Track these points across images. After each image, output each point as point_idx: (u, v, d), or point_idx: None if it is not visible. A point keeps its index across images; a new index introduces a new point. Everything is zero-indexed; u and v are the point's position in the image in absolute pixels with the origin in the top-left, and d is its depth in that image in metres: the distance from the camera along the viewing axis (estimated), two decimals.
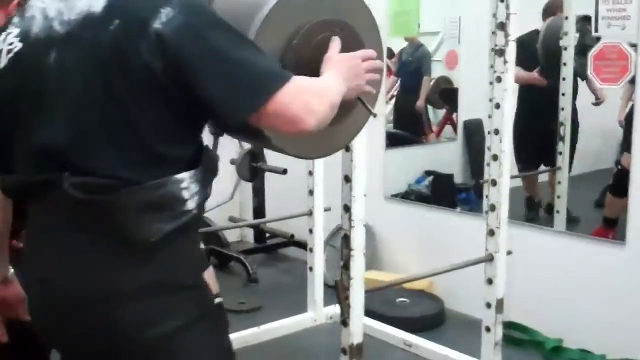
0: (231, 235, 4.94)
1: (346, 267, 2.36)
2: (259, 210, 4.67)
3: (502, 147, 2.70)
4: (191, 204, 1.38)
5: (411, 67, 5.01)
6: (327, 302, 3.67)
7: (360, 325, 2.39)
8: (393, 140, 4.89)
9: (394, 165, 4.57)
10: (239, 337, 3.35)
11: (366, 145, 2.28)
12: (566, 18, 3.98)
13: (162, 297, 1.39)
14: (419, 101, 5.02)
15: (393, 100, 5.16)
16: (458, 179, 4.79)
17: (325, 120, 1.43)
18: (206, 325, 1.44)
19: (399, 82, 5.16)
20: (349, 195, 2.31)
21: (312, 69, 1.58)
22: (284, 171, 4.17)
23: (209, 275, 2.25)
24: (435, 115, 5.48)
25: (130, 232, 1.34)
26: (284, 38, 1.61)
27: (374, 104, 1.83)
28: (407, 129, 5.16)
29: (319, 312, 3.62)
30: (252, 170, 4.42)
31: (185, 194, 1.36)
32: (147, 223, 1.35)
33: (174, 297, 1.40)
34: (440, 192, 4.69)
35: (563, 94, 4.06)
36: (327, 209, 3.57)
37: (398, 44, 4.98)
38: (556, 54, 4.01)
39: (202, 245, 1.55)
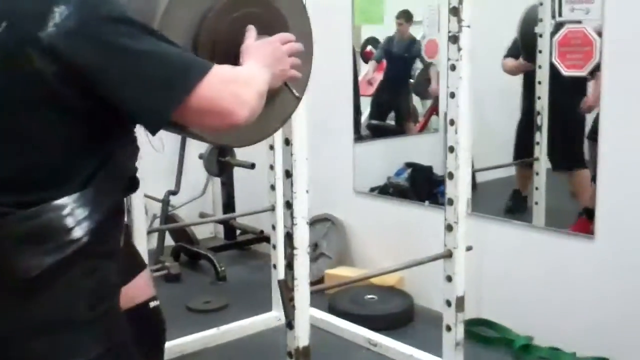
0: (203, 232, 4.83)
1: (290, 266, 2.24)
2: (228, 205, 4.56)
3: (457, 138, 2.59)
4: (78, 232, 1.23)
5: (401, 57, 4.85)
6: None
7: (306, 327, 2.28)
8: (375, 132, 4.78)
9: (373, 157, 4.46)
10: (198, 339, 3.26)
11: (307, 138, 2.16)
12: (540, 4, 3.85)
13: (56, 336, 1.25)
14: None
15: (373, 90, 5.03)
16: (439, 171, 4.67)
17: (257, 110, 1.32)
18: None
19: (383, 70, 5.00)
20: (289, 191, 2.19)
21: (230, 51, 1.49)
22: (252, 165, 4.07)
23: (143, 279, 2.15)
24: (424, 106, 5.37)
25: (8, 268, 1.20)
26: (198, 15, 1.50)
27: (302, 88, 1.73)
28: (390, 120, 5.04)
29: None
30: (220, 165, 4.32)
31: (70, 222, 1.22)
32: (26, 257, 1.20)
33: (69, 335, 1.26)
34: (419, 185, 4.58)
35: (539, 82, 3.93)
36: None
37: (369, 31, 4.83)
38: (533, 41, 3.88)
39: (108, 271, 1.34)
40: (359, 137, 4.39)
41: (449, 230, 2.66)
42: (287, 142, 2.17)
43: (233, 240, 4.60)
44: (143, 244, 2.80)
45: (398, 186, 4.52)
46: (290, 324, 2.27)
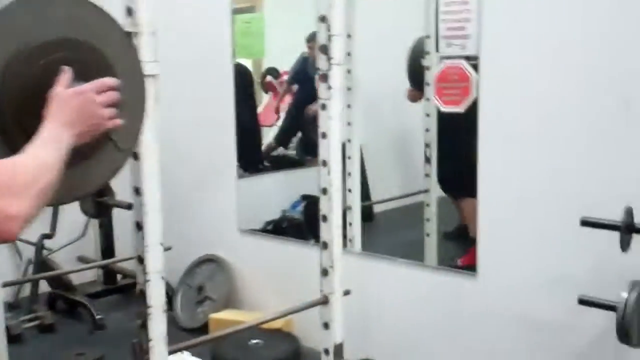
0: (84, 276, 4.55)
1: (144, 326, 2.06)
2: (107, 248, 4.31)
3: (330, 180, 2.48)
4: None
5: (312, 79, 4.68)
6: None
7: None
8: (275, 163, 4.63)
9: (270, 190, 4.32)
10: None
11: (157, 187, 2.00)
12: (427, 37, 3.82)
13: None
14: None
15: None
16: None
17: (38, 209, 1.17)
18: None
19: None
20: (141, 244, 2.01)
21: (41, 100, 1.32)
22: (129, 206, 3.83)
23: None
24: None
25: None
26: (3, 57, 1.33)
27: (133, 138, 1.58)
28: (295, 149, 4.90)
29: None
30: (97, 205, 4.08)
31: None
32: None
33: None
34: (313, 217, 4.47)
35: (427, 115, 3.89)
36: (167, 249, 3.27)
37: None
38: (420, 73, 3.85)
39: None
40: (256, 170, 4.25)
41: (324, 275, 2.54)
42: (137, 191, 2.00)
43: (113, 285, 4.35)
44: None
45: (292, 220, 4.39)
46: None
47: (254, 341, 3.50)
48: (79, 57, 1.42)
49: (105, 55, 1.48)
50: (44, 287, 4.26)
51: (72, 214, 4.41)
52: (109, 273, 4.37)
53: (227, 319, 3.71)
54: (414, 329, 3.19)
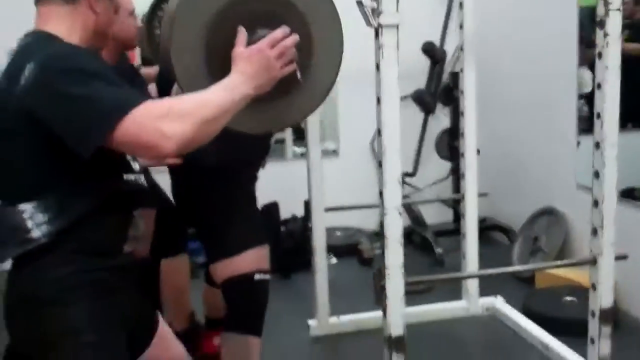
0: (440, 217, 4.88)
1: (383, 255, 2.27)
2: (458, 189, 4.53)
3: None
4: (36, 233, 1.48)
5: None
6: (482, 293, 3.51)
7: (399, 316, 2.29)
8: None
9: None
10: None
11: (396, 127, 2.16)
12: None
13: (29, 310, 1.52)
14: None
15: None
16: None
17: (194, 137, 1.45)
18: (71, 341, 1.51)
19: None
20: (381, 180, 2.22)
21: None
22: (477, 151, 3.99)
23: (253, 255, 2.36)
24: None
25: None
26: (205, 17, 1.66)
27: (325, 80, 1.82)
28: None
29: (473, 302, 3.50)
30: (451, 149, 4.34)
31: (29, 224, 1.48)
32: None
33: (37, 310, 1.51)
34: None
35: None
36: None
37: None
38: None
39: (84, 265, 1.54)
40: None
41: (593, 235, 2.42)
42: (379, 132, 2.20)
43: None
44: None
45: None
46: (384, 311, 2.30)
47: (569, 298, 3.42)
48: (279, 12, 1.68)
49: (304, 16, 1.71)
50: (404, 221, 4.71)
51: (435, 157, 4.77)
52: (458, 214, 4.60)
53: (557, 274, 3.65)
54: None
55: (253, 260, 2.43)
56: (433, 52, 4.46)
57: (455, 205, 4.49)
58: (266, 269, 2.48)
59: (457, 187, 4.48)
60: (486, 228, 4.54)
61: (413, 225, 4.61)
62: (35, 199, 1.49)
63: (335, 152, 4.93)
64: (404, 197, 4.61)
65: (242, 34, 1.63)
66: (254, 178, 2.62)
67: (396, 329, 2.31)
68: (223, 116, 1.51)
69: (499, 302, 3.50)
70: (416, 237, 4.58)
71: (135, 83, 2.42)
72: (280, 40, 1.62)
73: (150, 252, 2.68)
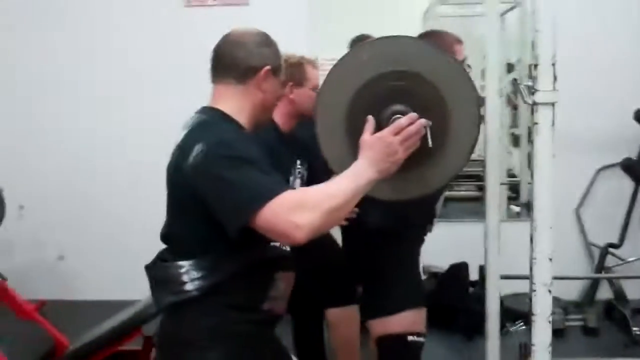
0: None
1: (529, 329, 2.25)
2: None
3: None
4: (189, 286, 1.73)
5: None
6: None
7: None
8: None
9: None
10: None
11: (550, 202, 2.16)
12: None
13: (182, 349, 1.78)
14: None
15: None
16: None
17: (322, 227, 1.62)
18: None
19: None
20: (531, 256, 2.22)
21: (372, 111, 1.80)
22: None
23: (411, 317, 2.47)
24: None
25: (153, 298, 1.83)
26: (348, 96, 1.85)
27: (459, 155, 1.94)
28: None
29: None
30: None
31: (184, 278, 1.73)
32: (157, 294, 1.81)
33: (190, 351, 1.77)
34: None
35: None
36: None
37: None
38: None
39: (228, 317, 1.77)
40: None
41: None
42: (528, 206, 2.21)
43: None
44: None
45: None
46: None
47: None
48: (410, 86, 1.81)
49: (434, 84, 1.82)
50: (606, 293, 4.49)
51: None
52: None
53: None
54: None
55: (409, 321, 2.53)
56: None
57: None
58: (420, 331, 2.55)
59: None
60: None
61: (614, 300, 4.37)
62: (192, 259, 1.74)
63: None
64: (607, 269, 4.47)
65: (369, 122, 1.77)
66: (419, 241, 2.73)
67: None
68: (349, 203, 1.68)
69: None
70: (616, 313, 4.33)
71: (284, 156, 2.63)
72: (405, 127, 1.74)
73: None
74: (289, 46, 2.25)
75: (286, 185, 1.67)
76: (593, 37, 4.49)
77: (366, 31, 3.57)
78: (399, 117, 1.76)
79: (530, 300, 2.25)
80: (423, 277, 3.34)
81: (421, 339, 2.54)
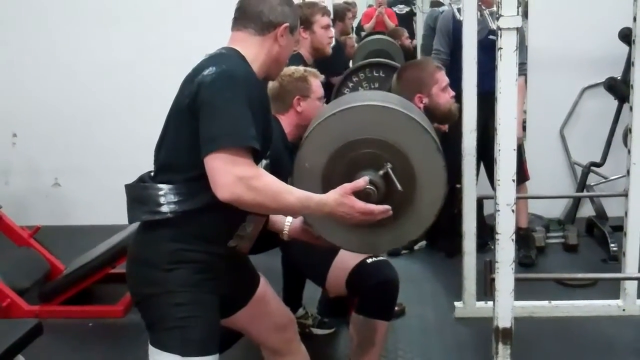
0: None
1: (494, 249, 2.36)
2: None
3: None
4: (165, 208, 1.81)
5: None
6: None
7: (506, 309, 2.37)
8: None
9: None
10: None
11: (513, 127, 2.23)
12: None
13: (141, 267, 1.88)
14: None
15: None
16: None
17: (243, 202, 1.71)
18: (166, 299, 1.83)
19: None
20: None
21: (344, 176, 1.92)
22: None
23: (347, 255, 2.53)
24: None
25: (129, 215, 1.91)
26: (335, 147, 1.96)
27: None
28: None
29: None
30: None
31: (162, 200, 1.81)
32: (132, 211, 1.88)
33: (147, 270, 1.86)
34: None
35: None
36: None
37: None
38: None
39: (189, 246, 1.85)
40: None
41: None
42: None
43: None
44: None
45: None
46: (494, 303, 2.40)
47: None
48: (382, 154, 1.91)
49: (406, 156, 1.92)
50: (588, 211, 4.60)
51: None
52: None
53: None
54: None
55: (352, 255, 2.52)
56: (631, 38, 4.23)
57: None
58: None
59: None
60: None
61: (595, 217, 4.48)
62: (172, 184, 1.83)
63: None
64: (589, 187, 4.56)
65: (357, 182, 1.85)
66: None
67: (503, 321, 2.40)
68: (283, 213, 1.92)
69: None
70: (596, 230, 4.45)
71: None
72: (375, 213, 1.85)
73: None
74: None
75: (257, 143, 1.74)
76: None
77: None
78: (372, 189, 1.87)
79: (495, 219, 2.35)
80: None
81: (380, 257, 2.59)
